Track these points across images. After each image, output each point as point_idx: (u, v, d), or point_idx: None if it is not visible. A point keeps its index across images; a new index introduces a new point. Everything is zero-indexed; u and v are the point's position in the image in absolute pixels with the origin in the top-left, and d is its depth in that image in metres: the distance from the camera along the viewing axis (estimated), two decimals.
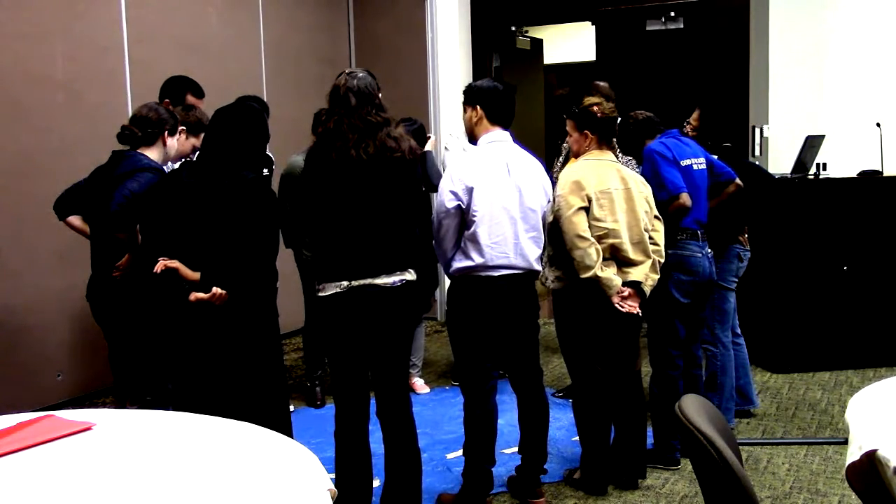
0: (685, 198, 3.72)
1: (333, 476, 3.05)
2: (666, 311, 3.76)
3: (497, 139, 3.33)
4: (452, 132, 6.30)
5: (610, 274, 3.37)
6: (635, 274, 3.43)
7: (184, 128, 3.72)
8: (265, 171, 4.47)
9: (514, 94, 3.39)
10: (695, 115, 4.58)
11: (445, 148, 5.96)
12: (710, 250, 3.88)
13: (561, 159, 4.56)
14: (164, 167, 3.59)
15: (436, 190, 3.63)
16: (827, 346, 5.33)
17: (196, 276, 2.96)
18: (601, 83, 4.71)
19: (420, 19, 6.92)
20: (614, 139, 3.79)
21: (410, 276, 3.03)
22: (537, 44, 9.13)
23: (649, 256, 3.47)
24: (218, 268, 2.96)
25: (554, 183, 3.55)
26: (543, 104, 9.18)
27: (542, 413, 3.47)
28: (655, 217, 3.56)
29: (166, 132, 3.58)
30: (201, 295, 2.94)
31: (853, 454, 1.83)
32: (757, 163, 5.89)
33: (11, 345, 4.53)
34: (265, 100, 5.02)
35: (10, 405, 3.77)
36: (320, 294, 2.98)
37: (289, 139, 5.36)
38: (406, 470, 3.10)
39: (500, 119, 3.35)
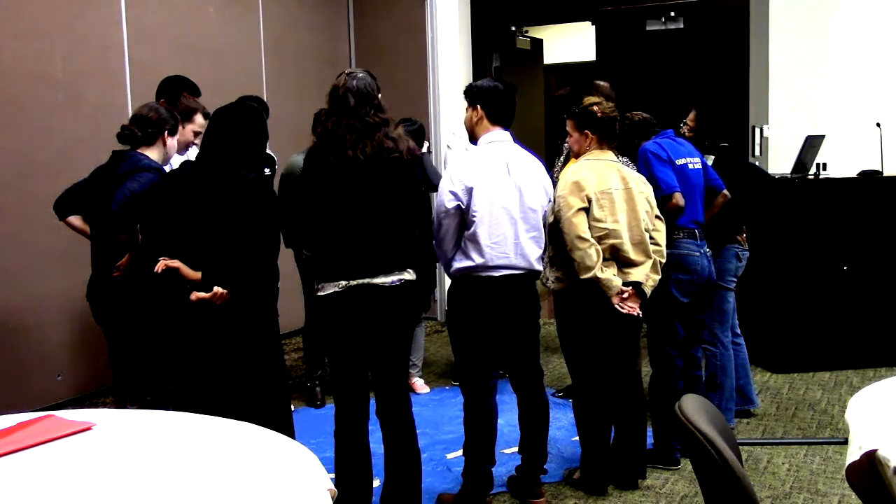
0: (678, 197, 3.73)
1: (333, 476, 3.04)
2: (665, 311, 3.76)
3: (497, 139, 3.33)
4: (455, 131, 6.29)
5: (610, 275, 3.37)
6: (636, 274, 3.42)
7: (180, 118, 3.73)
8: (267, 171, 4.47)
9: (515, 94, 3.39)
10: (691, 115, 4.57)
11: (448, 146, 5.96)
12: (708, 249, 3.88)
13: (561, 159, 4.55)
14: (165, 167, 3.60)
15: (436, 190, 3.63)
16: (827, 346, 5.33)
17: (197, 275, 2.97)
18: (602, 83, 4.71)
19: (420, 20, 6.91)
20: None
21: (409, 275, 3.03)
22: (537, 44, 9.12)
23: (650, 257, 3.47)
24: (219, 267, 2.96)
25: (554, 183, 3.56)
26: (543, 104, 9.17)
27: (543, 413, 3.47)
28: (657, 217, 3.56)
29: (167, 132, 3.58)
30: (202, 294, 2.94)
31: (853, 454, 1.83)
32: (756, 163, 5.89)
33: (11, 345, 4.53)
34: (265, 100, 5.03)
35: (10, 405, 3.78)
36: (319, 293, 2.99)
37: (289, 139, 5.36)
38: (406, 470, 3.10)
39: (500, 119, 3.34)
